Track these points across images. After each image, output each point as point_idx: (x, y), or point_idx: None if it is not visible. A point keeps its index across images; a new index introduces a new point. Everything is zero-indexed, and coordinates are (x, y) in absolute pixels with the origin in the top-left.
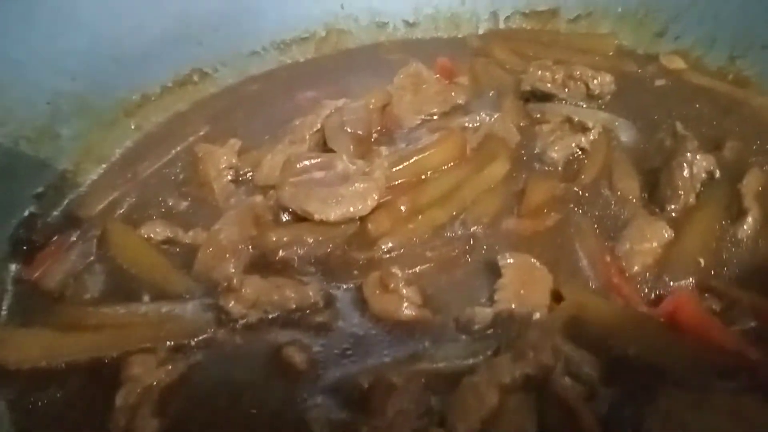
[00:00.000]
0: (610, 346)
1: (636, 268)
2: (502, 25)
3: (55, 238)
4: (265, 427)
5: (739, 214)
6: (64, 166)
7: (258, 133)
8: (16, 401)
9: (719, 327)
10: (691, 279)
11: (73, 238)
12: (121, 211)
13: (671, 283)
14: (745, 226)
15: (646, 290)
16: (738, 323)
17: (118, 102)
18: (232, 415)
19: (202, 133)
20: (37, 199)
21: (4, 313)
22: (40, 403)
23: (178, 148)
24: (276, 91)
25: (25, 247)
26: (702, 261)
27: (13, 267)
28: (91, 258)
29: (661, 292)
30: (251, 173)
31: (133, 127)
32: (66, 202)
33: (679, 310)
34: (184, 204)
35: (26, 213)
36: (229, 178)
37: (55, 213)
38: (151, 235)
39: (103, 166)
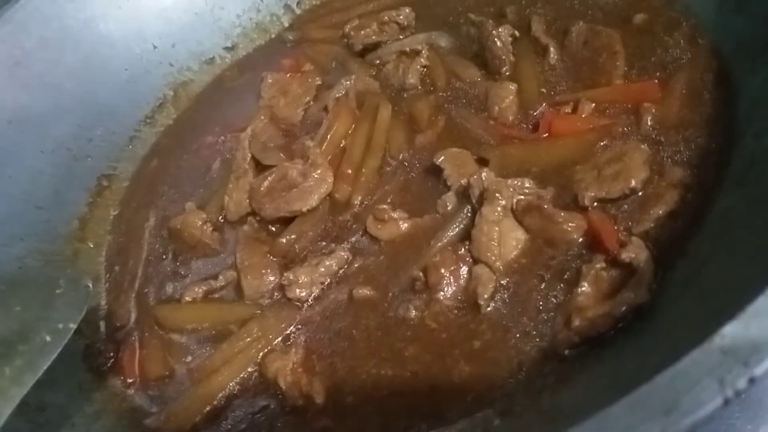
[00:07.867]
0: (530, 168)
1: (510, 117)
2: (298, 11)
3: (121, 347)
4: (383, 339)
5: (544, 50)
6: None
7: (194, 191)
8: None
9: (577, 118)
10: (543, 104)
11: (134, 338)
12: (151, 301)
13: (536, 113)
14: (551, 55)
15: (525, 126)
16: (584, 111)
17: (66, 236)
18: (356, 348)
19: (152, 221)
20: (79, 335)
21: (143, 407)
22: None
23: (146, 238)
24: (174, 155)
25: (104, 368)
26: (543, 90)
27: (115, 382)
28: (164, 336)
29: (534, 122)
30: (221, 217)
31: (92, 246)
32: (102, 323)
33: (551, 124)
34: (193, 266)
35: (82, 347)
36: (211, 229)
37: (102, 336)
38: (194, 297)
39: (102, 285)
